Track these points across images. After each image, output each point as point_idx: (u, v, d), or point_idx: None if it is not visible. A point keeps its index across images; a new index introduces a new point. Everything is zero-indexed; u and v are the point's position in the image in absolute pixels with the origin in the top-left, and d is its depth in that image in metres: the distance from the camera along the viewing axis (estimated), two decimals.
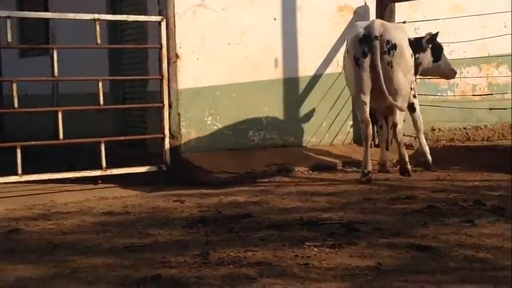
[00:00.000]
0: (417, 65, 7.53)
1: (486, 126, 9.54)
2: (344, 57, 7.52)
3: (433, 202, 5.76)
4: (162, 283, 3.79)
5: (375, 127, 7.82)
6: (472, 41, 8.75)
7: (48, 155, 8.48)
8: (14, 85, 7.05)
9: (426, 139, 8.06)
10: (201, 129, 7.92)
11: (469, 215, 5.25)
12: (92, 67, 8.63)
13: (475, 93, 9.47)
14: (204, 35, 7.90)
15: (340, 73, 8.03)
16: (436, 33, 7.55)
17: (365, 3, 8.78)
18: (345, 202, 6.02)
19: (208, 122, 7.97)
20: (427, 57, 7.63)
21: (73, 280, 3.92)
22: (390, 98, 6.88)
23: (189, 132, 7.86)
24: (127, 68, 8.83)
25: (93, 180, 7.46)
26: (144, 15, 8.01)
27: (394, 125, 7.28)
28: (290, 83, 8.43)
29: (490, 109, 8.88)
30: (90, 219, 5.66)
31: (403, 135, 8.40)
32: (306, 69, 8.51)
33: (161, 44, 7.63)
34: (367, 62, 6.95)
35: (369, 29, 7.04)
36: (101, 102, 7.38)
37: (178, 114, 7.77)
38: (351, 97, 7.95)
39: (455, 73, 7.96)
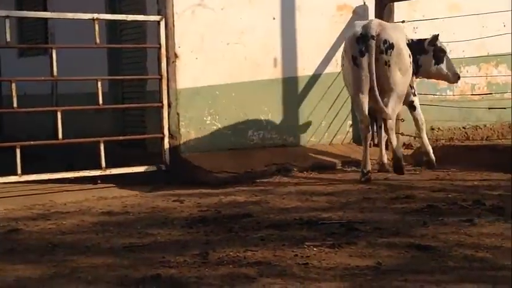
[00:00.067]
0: (418, 66, 7.49)
1: (485, 126, 9.54)
2: (342, 57, 7.52)
3: (433, 201, 5.76)
4: (161, 283, 3.79)
5: (374, 127, 7.80)
6: (471, 40, 8.74)
7: (48, 155, 8.48)
8: (13, 85, 7.05)
9: None
10: (201, 128, 7.92)
11: (468, 214, 5.25)
12: (91, 67, 8.63)
13: (474, 93, 9.47)
14: (203, 35, 7.90)
15: (340, 73, 8.03)
16: (437, 35, 7.48)
17: (364, 3, 8.79)
18: (345, 202, 6.02)
19: (208, 122, 7.97)
20: (428, 59, 7.52)
21: (72, 280, 3.92)
22: (381, 102, 6.87)
23: (189, 132, 7.85)
24: (126, 68, 8.83)
25: (93, 180, 7.45)
26: (143, 14, 8.01)
27: (385, 120, 7.20)
28: (289, 82, 8.43)
29: (489, 108, 8.87)
30: (90, 219, 5.67)
31: (403, 134, 8.44)
32: (305, 68, 8.51)
33: (160, 44, 7.62)
34: (364, 61, 6.95)
35: (366, 28, 7.04)
36: (100, 102, 7.38)
37: (178, 114, 7.77)
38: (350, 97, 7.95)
39: (459, 78, 7.77)
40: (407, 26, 8.39)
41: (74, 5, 8.44)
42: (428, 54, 7.51)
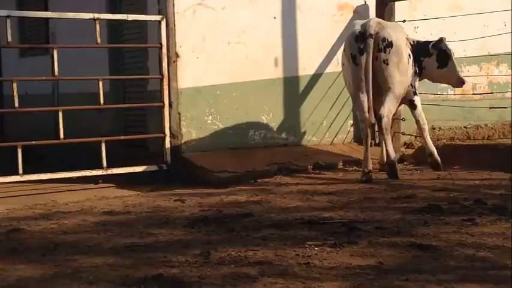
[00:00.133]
0: (421, 68, 7.42)
1: (486, 125, 9.54)
2: (342, 56, 7.52)
3: (434, 201, 5.74)
4: (163, 282, 3.79)
5: (375, 126, 7.78)
6: (472, 40, 8.73)
7: (49, 155, 8.49)
8: (14, 85, 7.06)
9: None
10: (202, 128, 7.92)
11: (469, 214, 5.24)
12: (92, 66, 8.63)
13: (475, 92, 9.47)
14: (204, 34, 7.90)
15: (340, 72, 8.03)
16: (441, 39, 7.41)
17: (365, 2, 8.79)
18: (346, 201, 6.02)
19: (209, 122, 7.97)
20: (431, 62, 7.39)
21: (74, 280, 3.92)
22: (371, 102, 6.86)
23: (190, 132, 7.86)
24: (127, 68, 8.84)
25: (94, 179, 7.46)
26: (144, 14, 8.02)
27: (380, 117, 7.03)
28: (290, 82, 8.44)
29: (490, 108, 8.85)
30: (91, 218, 5.67)
31: (403, 133, 8.44)
32: (306, 68, 8.52)
33: (161, 43, 7.63)
34: (363, 59, 6.95)
35: (364, 26, 7.04)
36: (101, 101, 7.39)
37: (179, 114, 7.77)
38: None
39: (463, 83, 7.51)
40: (408, 25, 8.38)
41: (75, 5, 8.44)
42: (431, 56, 7.41)
